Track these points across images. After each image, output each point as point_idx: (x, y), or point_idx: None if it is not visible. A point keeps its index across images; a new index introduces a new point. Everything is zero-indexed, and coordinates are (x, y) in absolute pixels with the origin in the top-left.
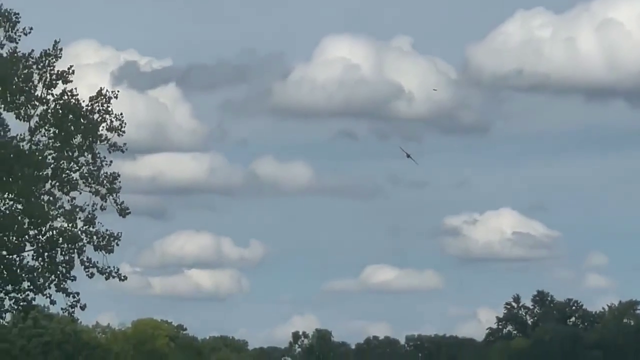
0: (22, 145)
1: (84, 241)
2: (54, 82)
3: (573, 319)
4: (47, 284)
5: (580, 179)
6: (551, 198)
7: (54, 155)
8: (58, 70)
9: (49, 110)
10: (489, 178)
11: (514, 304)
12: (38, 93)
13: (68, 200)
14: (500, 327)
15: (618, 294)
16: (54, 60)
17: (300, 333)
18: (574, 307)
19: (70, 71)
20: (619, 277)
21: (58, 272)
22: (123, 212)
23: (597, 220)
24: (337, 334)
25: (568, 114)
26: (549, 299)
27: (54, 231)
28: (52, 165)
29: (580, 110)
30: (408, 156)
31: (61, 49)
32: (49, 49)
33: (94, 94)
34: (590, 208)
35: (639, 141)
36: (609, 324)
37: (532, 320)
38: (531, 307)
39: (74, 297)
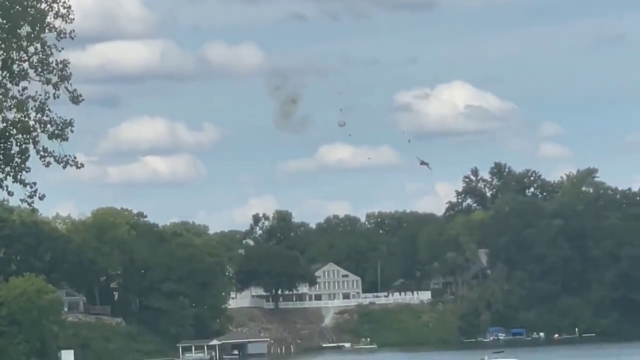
0: None
1: (38, 131)
2: None
3: (532, 189)
4: (3, 176)
5: (530, 49)
6: (503, 70)
7: (2, 46)
8: None
9: None
10: (439, 52)
11: (472, 177)
12: None
13: (18, 91)
14: (459, 200)
15: (575, 163)
16: None
17: (261, 215)
18: (532, 178)
19: None
20: (575, 146)
21: (13, 164)
22: (76, 99)
23: (549, 90)
24: (297, 214)
25: None
26: (506, 170)
27: (7, 122)
28: (1, 57)
29: None
30: (423, 163)
31: None
32: None
33: None
34: (542, 78)
35: (585, 11)
36: (568, 193)
37: (491, 192)
38: (489, 179)
39: (31, 187)
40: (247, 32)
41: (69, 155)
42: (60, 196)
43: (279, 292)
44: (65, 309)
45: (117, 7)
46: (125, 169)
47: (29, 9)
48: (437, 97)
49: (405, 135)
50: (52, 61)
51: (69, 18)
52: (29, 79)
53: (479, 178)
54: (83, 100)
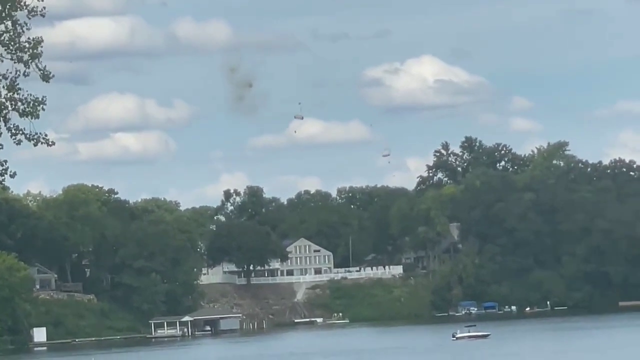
0: None
1: (9, 108)
2: None
3: (503, 163)
4: None
5: (500, 23)
6: (472, 44)
7: None
8: None
9: None
10: (408, 26)
11: (443, 151)
12: None
13: None
14: (430, 174)
15: (545, 137)
16: None
17: (232, 191)
18: (503, 151)
19: None
20: (544, 119)
21: None
22: (46, 77)
23: (518, 64)
24: (268, 190)
25: None
26: (477, 144)
27: None
28: None
29: None
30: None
31: None
32: None
33: None
34: (512, 52)
35: None
36: (539, 167)
37: (462, 166)
38: (460, 154)
39: (2, 165)
40: (215, 7)
41: (40, 133)
42: (31, 173)
43: (251, 267)
44: (37, 287)
45: None
46: (95, 145)
47: None
48: (407, 72)
49: (372, 128)
50: (24, 39)
51: None
52: (1, 58)
53: (449, 152)
54: (53, 77)
